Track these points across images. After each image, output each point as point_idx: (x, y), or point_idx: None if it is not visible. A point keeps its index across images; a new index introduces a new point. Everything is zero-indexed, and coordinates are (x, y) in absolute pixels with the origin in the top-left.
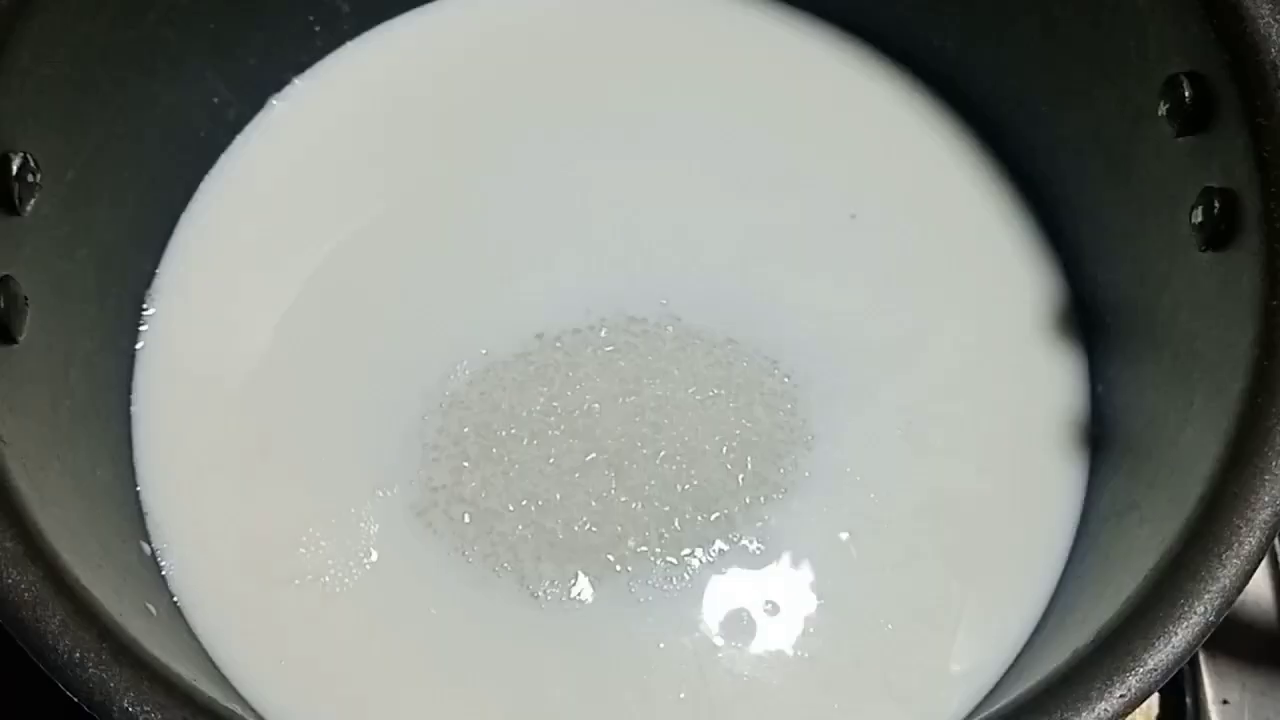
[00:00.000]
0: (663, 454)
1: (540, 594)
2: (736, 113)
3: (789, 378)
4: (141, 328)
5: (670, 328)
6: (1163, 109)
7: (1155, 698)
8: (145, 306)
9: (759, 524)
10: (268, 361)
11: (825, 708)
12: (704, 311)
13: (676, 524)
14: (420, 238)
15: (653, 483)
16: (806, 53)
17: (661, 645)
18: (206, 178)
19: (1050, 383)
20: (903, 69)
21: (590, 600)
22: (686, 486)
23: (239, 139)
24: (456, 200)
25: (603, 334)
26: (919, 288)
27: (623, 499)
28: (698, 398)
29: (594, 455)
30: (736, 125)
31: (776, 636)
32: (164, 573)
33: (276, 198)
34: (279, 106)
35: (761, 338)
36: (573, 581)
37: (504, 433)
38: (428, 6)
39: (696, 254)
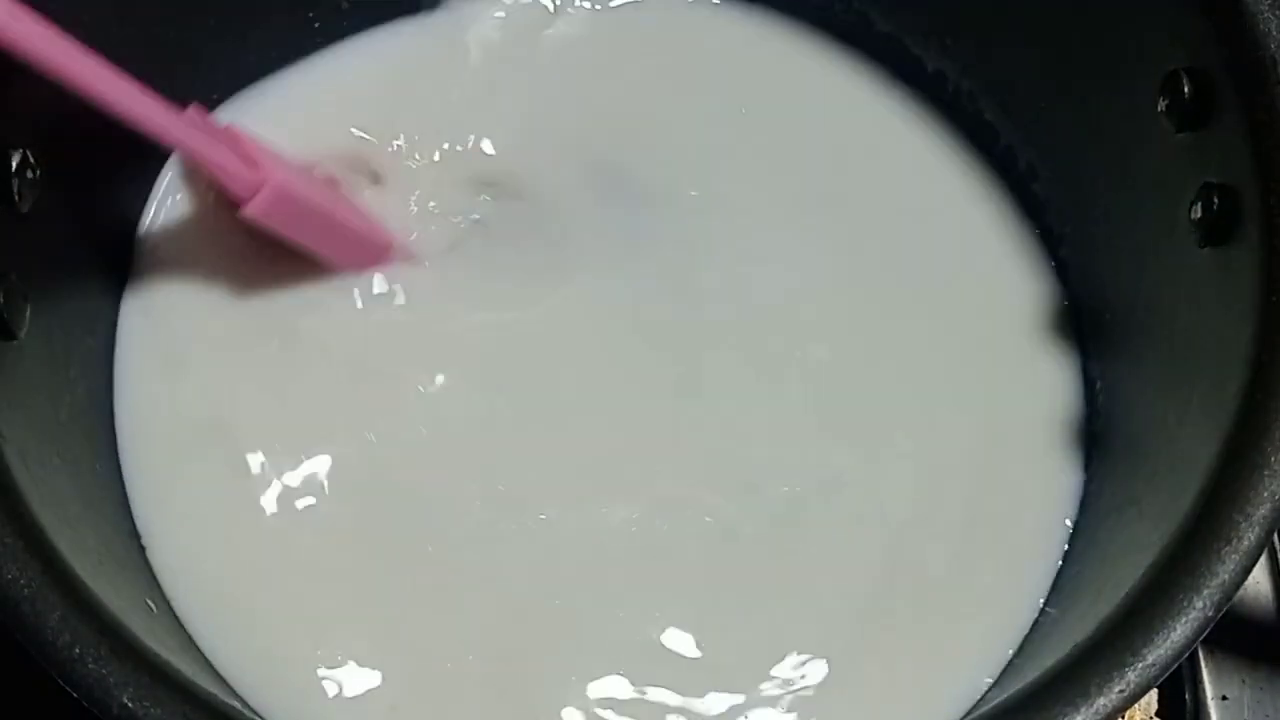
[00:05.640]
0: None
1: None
2: (722, 116)
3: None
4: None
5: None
6: (1162, 105)
7: (1154, 693)
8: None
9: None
10: (269, 357)
11: (823, 706)
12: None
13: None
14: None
15: None
16: (790, 51)
17: None
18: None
19: (1048, 380)
20: (890, 69)
21: None
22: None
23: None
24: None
25: None
26: (913, 287)
27: None
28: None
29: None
30: (724, 129)
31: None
32: (159, 570)
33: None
34: (279, 104)
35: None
36: None
37: None
38: (433, 11)
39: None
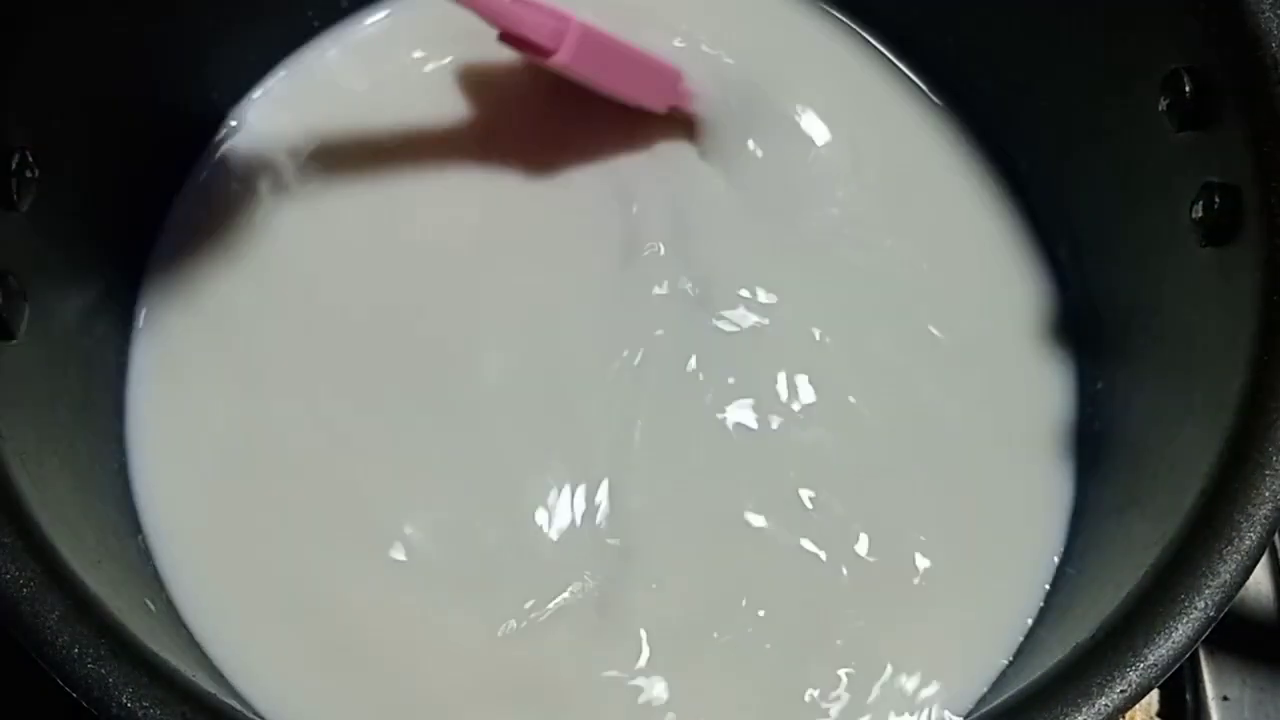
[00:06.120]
0: None
1: None
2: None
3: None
4: (140, 324)
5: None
6: (1163, 104)
7: (1155, 693)
8: (144, 303)
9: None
10: (265, 359)
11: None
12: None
13: None
14: (423, 228)
15: None
16: (795, 37)
17: None
18: (206, 173)
19: (1049, 381)
20: (895, 63)
21: None
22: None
23: (239, 134)
24: (462, 192)
25: None
26: (916, 284)
27: None
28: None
29: None
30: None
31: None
32: (160, 568)
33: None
34: (277, 101)
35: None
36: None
37: None
38: None
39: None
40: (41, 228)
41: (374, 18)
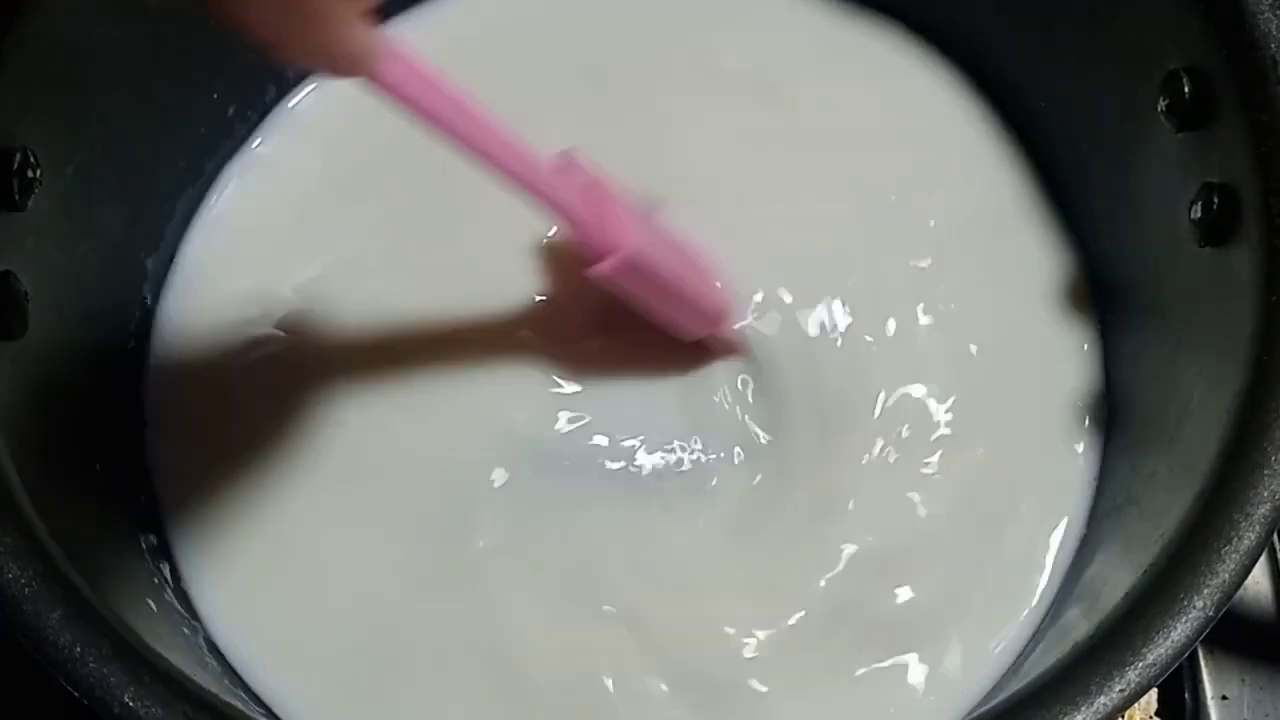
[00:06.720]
0: None
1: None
2: (754, 95)
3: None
4: (144, 323)
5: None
6: (1162, 104)
7: (1154, 692)
8: (147, 302)
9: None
10: (273, 359)
11: (821, 706)
12: None
13: None
14: (431, 235)
15: None
16: (828, 30)
17: None
18: (206, 174)
19: (1049, 380)
20: (927, 46)
21: None
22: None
23: (239, 135)
24: (466, 198)
25: None
26: (916, 276)
27: None
28: None
29: None
30: (755, 107)
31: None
32: (167, 568)
33: (279, 194)
34: (278, 102)
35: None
36: None
37: None
38: (432, 4)
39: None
40: (45, 227)
41: None
